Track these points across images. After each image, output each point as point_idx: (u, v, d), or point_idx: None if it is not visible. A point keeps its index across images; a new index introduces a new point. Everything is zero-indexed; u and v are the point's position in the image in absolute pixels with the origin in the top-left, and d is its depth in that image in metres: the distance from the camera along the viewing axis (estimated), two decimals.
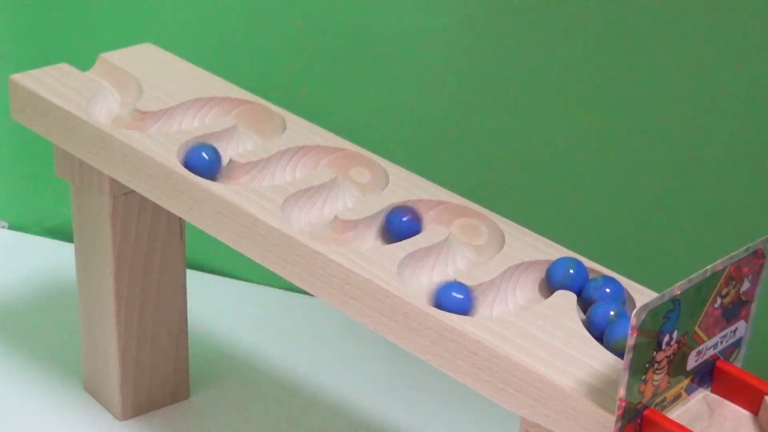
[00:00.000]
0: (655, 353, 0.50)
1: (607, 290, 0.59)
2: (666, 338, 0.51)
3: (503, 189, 0.91)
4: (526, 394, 0.55)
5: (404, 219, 0.65)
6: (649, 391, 0.51)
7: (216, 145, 0.72)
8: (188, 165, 0.69)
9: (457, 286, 0.60)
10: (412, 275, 0.62)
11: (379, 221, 0.66)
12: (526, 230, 0.64)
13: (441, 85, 0.91)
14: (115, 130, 0.71)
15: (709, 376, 0.54)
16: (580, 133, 0.88)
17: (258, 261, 0.65)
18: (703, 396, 0.55)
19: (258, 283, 0.99)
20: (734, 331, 0.54)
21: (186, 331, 0.83)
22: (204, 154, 0.70)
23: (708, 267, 0.51)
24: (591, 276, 0.61)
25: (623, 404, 0.50)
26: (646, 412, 0.52)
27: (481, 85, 0.90)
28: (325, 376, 0.88)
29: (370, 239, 0.65)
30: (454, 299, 0.59)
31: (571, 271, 0.60)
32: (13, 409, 0.83)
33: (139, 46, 0.82)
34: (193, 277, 0.96)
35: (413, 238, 0.64)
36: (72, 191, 0.79)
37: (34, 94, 0.75)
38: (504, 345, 0.56)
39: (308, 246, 0.62)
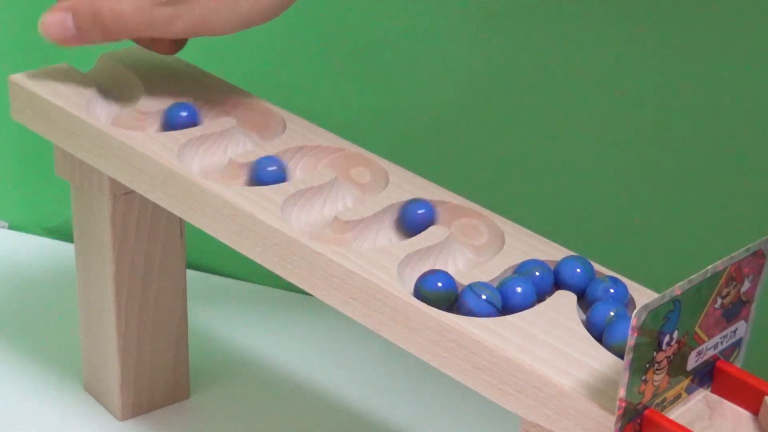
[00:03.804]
0: (655, 353, 0.50)
1: (612, 291, 0.59)
2: (666, 338, 0.51)
3: (503, 189, 0.91)
4: (526, 394, 0.55)
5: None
6: (649, 391, 0.51)
7: (216, 145, 0.72)
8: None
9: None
10: (412, 275, 0.62)
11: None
12: (526, 230, 0.64)
13: (441, 85, 0.91)
14: (115, 130, 0.71)
15: (709, 376, 0.54)
16: (581, 133, 0.88)
17: (258, 261, 0.65)
18: (703, 396, 0.54)
19: (258, 283, 0.99)
20: (734, 332, 0.54)
21: (186, 331, 0.83)
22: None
23: (708, 267, 0.51)
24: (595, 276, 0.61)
25: (623, 404, 0.50)
26: (646, 413, 0.52)
27: (481, 85, 0.90)
28: (325, 376, 0.88)
29: (370, 239, 0.65)
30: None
31: (578, 270, 0.60)
32: (13, 409, 0.83)
33: (139, 46, 0.82)
34: (193, 277, 0.96)
35: (413, 238, 0.64)
36: (72, 191, 0.79)
37: (34, 94, 0.75)
38: (504, 345, 0.55)
39: (308, 246, 0.62)
